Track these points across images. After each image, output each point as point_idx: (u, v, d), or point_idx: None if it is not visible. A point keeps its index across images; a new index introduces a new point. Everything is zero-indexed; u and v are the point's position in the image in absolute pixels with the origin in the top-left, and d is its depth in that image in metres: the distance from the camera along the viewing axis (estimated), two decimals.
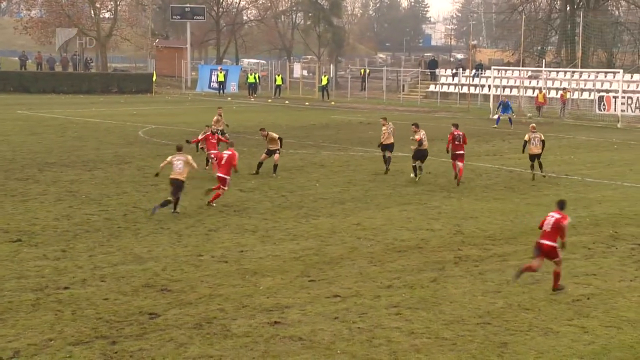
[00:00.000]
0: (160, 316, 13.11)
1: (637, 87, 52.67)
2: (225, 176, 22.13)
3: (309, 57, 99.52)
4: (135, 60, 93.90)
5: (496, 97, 53.72)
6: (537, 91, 55.59)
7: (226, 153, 22.56)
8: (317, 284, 15.11)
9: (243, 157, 28.48)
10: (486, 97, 57.21)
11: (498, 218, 21.20)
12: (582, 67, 60.08)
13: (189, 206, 21.66)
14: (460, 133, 26.64)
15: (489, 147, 36.60)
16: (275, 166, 26.89)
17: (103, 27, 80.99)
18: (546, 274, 15.97)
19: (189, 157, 21.11)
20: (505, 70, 61.50)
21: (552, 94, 57.61)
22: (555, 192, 24.84)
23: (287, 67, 77.87)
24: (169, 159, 21.14)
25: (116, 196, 22.97)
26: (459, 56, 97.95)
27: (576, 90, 56.87)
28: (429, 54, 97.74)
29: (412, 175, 26.83)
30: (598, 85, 56.43)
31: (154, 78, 71.72)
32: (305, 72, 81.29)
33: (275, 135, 27.23)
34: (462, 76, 65.75)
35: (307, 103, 62.88)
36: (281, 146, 27.38)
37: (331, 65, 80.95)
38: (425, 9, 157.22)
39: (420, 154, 26.70)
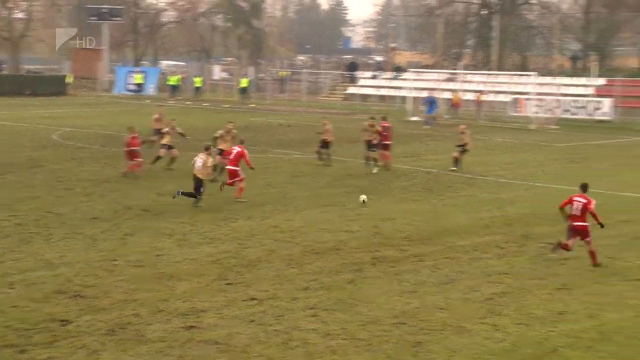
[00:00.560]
0: (72, 323, 12.85)
1: (550, 90, 53.97)
2: (235, 167, 23.36)
3: (229, 59, 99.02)
4: (50, 62, 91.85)
5: (415, 99, 54.47)
6: (453, 93, 56.40)
7: (236, 149, 23.89)
8: (234, 287, 15.03)
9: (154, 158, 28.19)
10: (405, 99, 57.90)
11: (415, 219, 21.45)
12: (497, 70, 61.30)
13: (106, 210, 21.31)
14: (389, 125, 30.13)
15: (406, 148, 36.98)
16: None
17: (16, 28, 78.99)
18: (460, 273, 16.26)
19: (209, 159, 22.59)
20: (423, 73, 62.36)
21: (469, 96, 58.62)
22: (471, 193, 25.29)
23: (206, 69, 77.29)
24: (196, 157, 22.56)
25: (28, 201, 22.43)
26: (379, 59, 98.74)
27: (491, 92, 58.01)
28: (348, 57, 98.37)
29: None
30: (512, 88, 57.67)
31: (69, 79, 70.21)
32: (225, 74, 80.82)
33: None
34: (382, 78, 66.36)
35: (226, 105, 62.57)
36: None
37: (251, 68, 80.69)
38: (345, 12, 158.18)
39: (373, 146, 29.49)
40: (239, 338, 12.43)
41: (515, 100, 52.24)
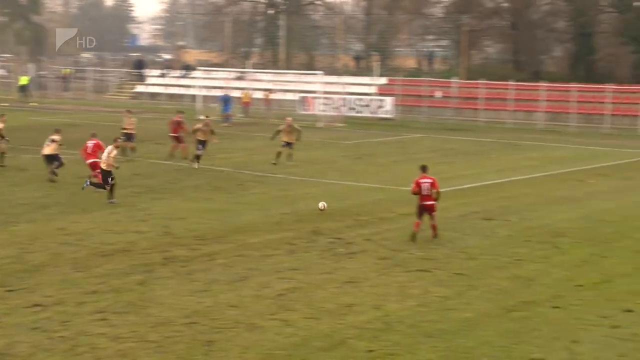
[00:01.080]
0: None
1: (336, 89, 55.54)
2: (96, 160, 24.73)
3: (6, 55, 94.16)
4: None
5: (205, 97, 54.36)
6: (243, 92, 56.65)
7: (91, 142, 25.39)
8: (16, 293, 14.34)
9: None
10: (194, 98, 57.57)
11: (206, 217, 21.39)
12: (285, 69, 62.31)
13: None
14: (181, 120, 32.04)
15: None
16: None
17: None
18: (251, 271, 16.39)
19: (114, 151, 23.35)
20: (212, 71, 62.24)
21: (258, 94, 59.15)
22: (263, 191, 25.55)
23: None
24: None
25: None
26: (167, 57, 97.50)
27: (280, 91, 58.88)
28: (135, 54, 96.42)
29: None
30: (300, 87, 58.81)
31: None
32: (2, 72, 76.77)
33: None
34: (170, 77, 65.61)
35: (5, 104, 59.46)
36: None
37: (31, 65, 77.13)
38: (131, 8, 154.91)
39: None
40: (20, 347, 11.87)
41: (303, 99, 53.33)
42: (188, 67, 70.53)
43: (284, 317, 13.62)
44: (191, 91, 61.05)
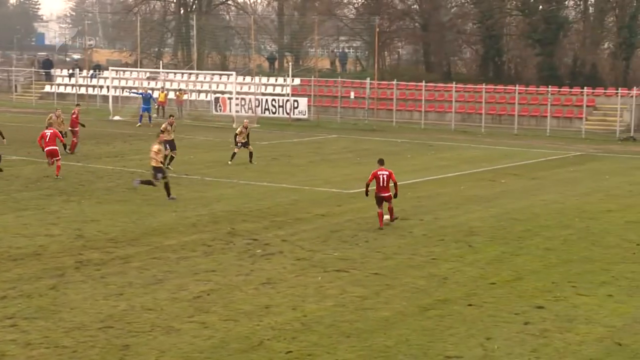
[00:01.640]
0: None
1: (249, 89, 55.35)
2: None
3: None
4: None
5: (115, 98, 53.53)
6: (157, 92, 55.90)
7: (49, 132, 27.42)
8: None
9: None
10: (105, 98, 56.54)
11: (120, 220, 21.03)
12: (198, 69, 61.78)
13: None
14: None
15: (110, 148, 36.21)
16: None
17: None
18: (168, 273, 16.18)
19: (159, 147, 24.33)
20: (124, 72, 61.26)
21: (171, 95, 58.48)
22: (178, 192, 25.21)
23: None
24: None
25: None
26: (76, 56, 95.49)
27: (193, 91, 58.32)
28: (43, 54, 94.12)
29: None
30: (214, 87, 58.38)
31: None
32: None
33: None
34: (79, 77, 64.29)
35: None
36: None
37: None
38: (37, 7, 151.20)
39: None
40: None
41: (217, 100, 52.96)
42: (98, 67, 69.26)
43: (202, 320, 13.48)
44: (102, 91, 60.02)
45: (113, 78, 55.81)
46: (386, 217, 20.70)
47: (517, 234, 20.31)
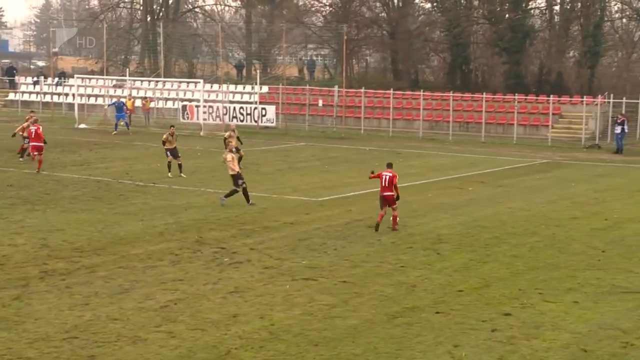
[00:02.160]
0: None
1: (217, 97, 55.17)
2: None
3: None
4: None
5: (81, 105, 53.10)
6: (127, 100, 55.51)
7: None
8: None
9: None
10: (71, 106, 56.04)
11: (86, 229, 20.82)
12: (165, 77, 61.48)
13: None
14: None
15: (75, 157, 35.87)
16: None
17: None
18: (134, 283, 16.03)
19: (229, 155, 24.92)
20: (90, 79, 60.78)
21: (137, 102, 58.09)
22: (144, 201, 25.08)
23: None
24: None
25: None
26: (40, 64, 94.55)
27: (161, 99, 58.01)
28: (6, 61, 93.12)
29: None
30: (181, 95, 58.12)
31: None
32: None
33: None
34: (44, 84, 63.69)
35: None
36: None
37: None
38: (1, 13, 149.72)
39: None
40: None
41: (185, 107, 52.71)
42: (63, 75, 68.66)
43: (169, 329, 13.36)
44: (68, 99, 59.49)
45: (79, 86, 55.35)
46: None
47: (485, 242, 20.40)
